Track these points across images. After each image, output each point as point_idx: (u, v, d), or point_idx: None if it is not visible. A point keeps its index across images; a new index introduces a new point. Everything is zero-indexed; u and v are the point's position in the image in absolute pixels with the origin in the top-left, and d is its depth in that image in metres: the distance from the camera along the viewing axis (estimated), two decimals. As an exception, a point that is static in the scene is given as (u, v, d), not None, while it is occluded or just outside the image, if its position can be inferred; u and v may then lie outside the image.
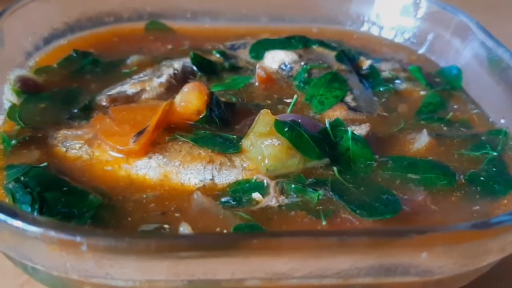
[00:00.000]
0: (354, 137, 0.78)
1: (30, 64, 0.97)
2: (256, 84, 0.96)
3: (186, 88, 0.83)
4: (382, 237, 0.54)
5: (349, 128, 0.79)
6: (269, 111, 0.78)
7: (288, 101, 0.92)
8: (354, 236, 0.54)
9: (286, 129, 0.74)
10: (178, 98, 0.82)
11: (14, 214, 0.52)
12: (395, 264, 0.56)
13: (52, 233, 0.51)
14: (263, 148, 0.73)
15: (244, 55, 1.08)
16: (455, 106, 0.94)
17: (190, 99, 0.81)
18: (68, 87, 0.92)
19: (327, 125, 0.80)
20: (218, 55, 1.05)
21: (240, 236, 0.57)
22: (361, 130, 0.80)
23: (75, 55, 1.01)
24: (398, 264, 0.56)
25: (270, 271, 0.55)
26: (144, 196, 0.69)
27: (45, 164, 0.71)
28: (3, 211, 0.53)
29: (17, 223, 0.52)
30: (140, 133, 0.74)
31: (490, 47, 0.95)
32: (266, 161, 0.73)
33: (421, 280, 0.59)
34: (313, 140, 0.75)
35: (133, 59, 1.01)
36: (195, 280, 0.54)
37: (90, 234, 0.50)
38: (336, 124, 0.82)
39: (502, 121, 0.88)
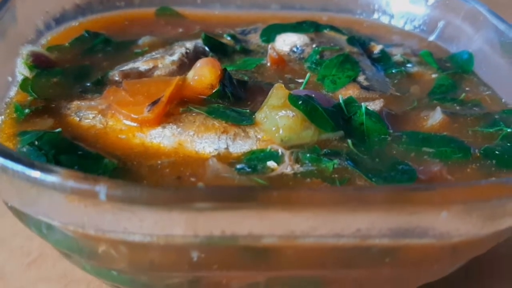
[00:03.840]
0: (368, 112, 0.78)
1: (42, 42, 0.97)
2: (268, 65, 0.96)
3: (199, 63, 0.83)
4: (403, 192, 0.53)
5: (363, 104, 0.79)
6: (282, 85, 0.77)
7: (300, 81, 0.92)
8: (375, 190, 0.53)
9: (300, 102, 0.74)
10: (191, 73, 0.82)
11: (32, 165, 0.52)
12: (413, 225, 0.55)
13: (71, 182, 0.50)
14: (277, 119, 0.73)
15: (255, 39, 1.08)
16: (467, 88, 0.94)
17: (204, 73, 0.81)
18: (80, 64, 0.91)
19: (341, 100, 0.79)
20: (229, 38, 1.04)
21: (259, 190, 0.57)
22: (375, 105, 0.80)
23: (86, 35, 1.01)
24: (416, 225, 0.56)
25: (288, 228, 0.54)
26: (159, 162, 0.69)
27: (59, 129, 0.70)
28: (20, 162, 0.52)
29: (35, 174, 0.51)
30: (154, 103, 0.73)
31: (503, 30, 0.95)
32: (281, 132, 0.73)
33: (438, 243, 0.58)
34: (328, 113, 0.75)
35: (144, 40, 1.01)
36: (212, 236, 0.53)
37: (109, 182, 0.49)
38: (350, 102, 0.81)
39: (515, 102, 0.87)
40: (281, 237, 0.55)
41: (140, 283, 0.66)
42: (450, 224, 0.56)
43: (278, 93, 0.76)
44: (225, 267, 0.60)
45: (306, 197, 0.51)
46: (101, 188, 0.49)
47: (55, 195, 0.52)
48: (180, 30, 1.09)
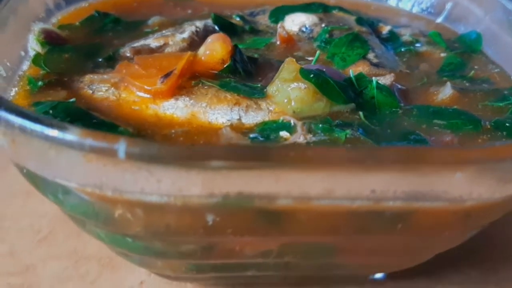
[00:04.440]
0: (379, 86, 0.78)
1: (52, 21, 0.97)
2: (278, 43, 0.96)
3: (210, 38, 0.83)
4: (418, 151, 0.54)
5: (373, 78, 0.79)
6: (294, 59, 0.78)
7: (310, 59, 0.92)
8: (390, 149, 0.54)
9: (311, 76, 0.74)
10: (202, 49, 0.83)
11: (50, 124, 0.52)
12: (427, 187, 0.56)
13: (89, 140, 0.50)
14: (289, 91, 0.73)
15: (263, 20, 1.08)
16: (475, 67, 0.95)
17: (215, 48, 0.81)
18: (92, 42, 0.91)
19: (351, 75, 0.80)
20: (238, 19, 1.05)
21: (276, 148, 0.57)
22: (386, 80, 0.81)
23: (96, 15, 1.01)
24: (429, 188, 0.56)
25: (303, 188, 0.54)
26: (173, 131, 0.69)
27: (73, 99, 0.71)
28: (39, 121, 0.52)
29: (54, 132, 0.52)
30: (167, 75, 0.74)
31: (511, 9, 0.95)
32: (293, 104, 0.73)
33: (451, 207, 0.59)
34: (339, 86, 0.75)
35: (154, 20, 1.02)
36: (228, 196, 0.54)
37: (128, 140, 0.50)
38: (360, 77, 0.81)
39: (523, 78, 0.88)
40: (296, 199, 0.55)
41: (154, 250, 0.66)
42: (464, 186, 0.56)
43: (289, 67, 0.77)
44: (239, 231, 0.61)
45: (322, 155, 0.52)
46: (120, 146, 0.50)
47: (74, 154, 0.52)
48: (189, 11, 1.10)
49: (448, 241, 0.69)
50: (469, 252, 0.92)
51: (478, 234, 0.73)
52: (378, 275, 0.85)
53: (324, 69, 0.79)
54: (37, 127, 0.52)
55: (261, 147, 0.59)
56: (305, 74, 0.75)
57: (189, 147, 0.51)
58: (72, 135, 0.51)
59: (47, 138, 0.52)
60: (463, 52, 0.99)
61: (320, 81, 0.74)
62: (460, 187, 0.56)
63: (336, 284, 0.87)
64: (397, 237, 0.64)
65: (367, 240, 0.65)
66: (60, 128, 0.51)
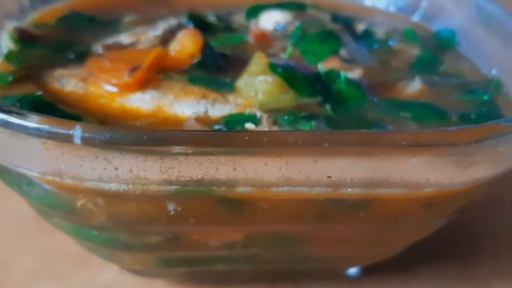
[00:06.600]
0: (347, 80, 0.79)
1: (27, 21, 0.98)
2: (251, 41, 0.97)
3: (181, 33, 0.84)
4: (374, 134, 0.55)
5: (341, 72, 0.80)
6: (263, 54, 0.78)
7: (283, 56, 0.92)
8: (347, 132, 0.54)
9: (279, 70, 0.75)
10: (172, 44, 0.83)
11: (9, 111, 0.52)
12: (384, 174, 0.56)
13: (46, 127, 0.51)
14: (256, 84, 0.74)
15: (240, 20, 1.08)
16: (447, 62, 0.96)
17: (186, 43, 0.82)
18: (65, 40, 0.92)
19: (320, 69, 0.80)
20: (213, 18, 1.05)
21: (232, 132, 0.58)
22: (354, 74, 0.81)
23: (71, 14, 1.02)
24: (386, 174, 0.56)
25: (262, 176, 0.55)
26: (138, 123, 0.69)
27: (40, 93, 0.71)
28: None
29: (12, 119, 0.52)
30: (134, 69, 0.74)
31: (482, 5, 0.96)
32: (260, 97, 0.74)
33: (410, 195, 0.59)
34: (306, 79, 0.76)
35: (129, 19, 1.02)
36: (187, 183, 0.54)
37: (84, 125, 0.50)
38: (329, 72, 0.82)
39: (493, 71, 0.88)
40: (254, 186, 0.56)
41: (120, 242, 0.67)
42: (420, 172, 0.57)
43: (258, 61, 0.77)
44: (201, 221, 0.61)
45: (279, 138, 0.52)
46: (76, 131, 0.50)
47: (33, 142, 0.53)
48: (165, 11, 1.10)
49: (416, 231, 0.69)
50: (447, 248, 0.93)
51: (456, 230, 0.73)
52: (352, 270, 0.86)
53: (293, 64, 0.79)
54: (-1, 115, 0.53)
55: (215, 132, 0.59)
56: (273, 67, 0.76)
57: (145, 132, 0.52)
58: (30, 121, 0.51)
59: (7, 125, 0.52)
60: (436, 48, 0.99)
61: (287, 73, 0.75)
62: (416, 172, 0.56)
63: (310, 280, 0.87)
64: (362, 225, 0.65)
65: (332, 230, 0.66)
66: (19, 115, 0.52)
